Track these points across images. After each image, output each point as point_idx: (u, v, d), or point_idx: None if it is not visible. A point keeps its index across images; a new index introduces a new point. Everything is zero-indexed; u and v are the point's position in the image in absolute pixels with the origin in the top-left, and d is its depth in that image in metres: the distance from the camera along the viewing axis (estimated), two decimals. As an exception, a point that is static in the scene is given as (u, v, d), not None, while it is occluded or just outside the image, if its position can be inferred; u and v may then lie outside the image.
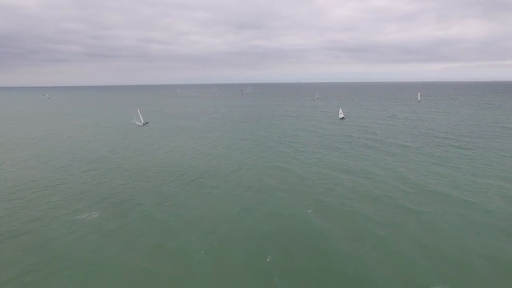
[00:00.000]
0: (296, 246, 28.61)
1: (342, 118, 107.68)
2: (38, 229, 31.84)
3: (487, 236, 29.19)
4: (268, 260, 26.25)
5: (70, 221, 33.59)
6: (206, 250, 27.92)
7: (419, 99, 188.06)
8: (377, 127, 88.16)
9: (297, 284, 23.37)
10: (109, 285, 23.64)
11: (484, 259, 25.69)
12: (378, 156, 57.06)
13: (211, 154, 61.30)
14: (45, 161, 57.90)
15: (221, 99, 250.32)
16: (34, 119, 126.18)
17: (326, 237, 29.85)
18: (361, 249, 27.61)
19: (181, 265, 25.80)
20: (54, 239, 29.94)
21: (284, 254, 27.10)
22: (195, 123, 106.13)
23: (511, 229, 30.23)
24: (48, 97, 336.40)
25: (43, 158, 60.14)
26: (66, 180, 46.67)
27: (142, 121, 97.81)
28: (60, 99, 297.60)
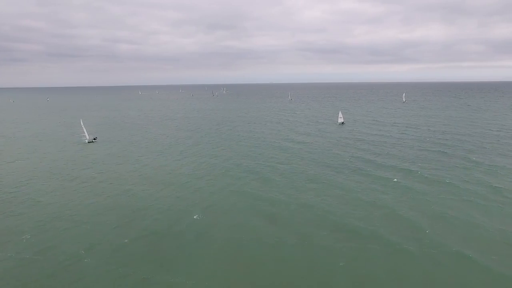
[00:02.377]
0: None
1: (342, 124, 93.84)
2: None
3: None
4: None
5: None
6: None
7: (404, 100, 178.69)
8: (375, 138, 72.15)
9: None
10: None
11: None
12: (392, 192, 40.27)
13: (155, 192, 42.23)
14: None
15: (190, 102, 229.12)
16: None
17: None
18: None
19: None
20: None
21: None
22: (153, 134, 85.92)
23: None
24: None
25: None
26: None
27: (88, 137, 74.71)
28: (3, 103, 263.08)
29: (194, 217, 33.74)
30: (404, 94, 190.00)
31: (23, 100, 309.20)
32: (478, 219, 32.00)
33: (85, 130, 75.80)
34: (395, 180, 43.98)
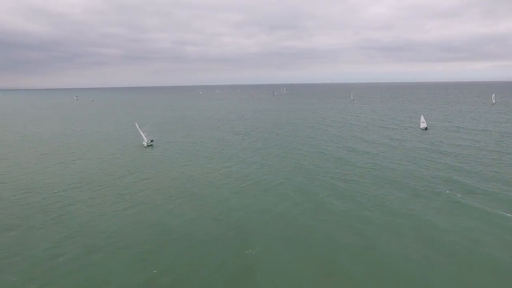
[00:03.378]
0: None
1: (425, 129, 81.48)
2: None
3: None
4: None
5: None
6: None
7: (494, 101, 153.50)
8: (463, 151, 58.82)
9: None
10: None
11: None
12: (500, 232, 29.66)
13: (191, 210, 37.17)
14: None
15: (249, 102, 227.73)
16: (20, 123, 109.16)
17: None
18: None
19: None
20: None
21: None
22: (206, 137, 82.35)
23: None
24: (76, 98, 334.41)
25: None
26: None
27: (146, 140, 71.85)
28: (85, 101, 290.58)
29: (226, 255, 27.41)
30: (493, 95, 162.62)
31: (102, 99, 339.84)
32: None
33: (141, 133, 73.33)
34: (500, 213, 32.72)
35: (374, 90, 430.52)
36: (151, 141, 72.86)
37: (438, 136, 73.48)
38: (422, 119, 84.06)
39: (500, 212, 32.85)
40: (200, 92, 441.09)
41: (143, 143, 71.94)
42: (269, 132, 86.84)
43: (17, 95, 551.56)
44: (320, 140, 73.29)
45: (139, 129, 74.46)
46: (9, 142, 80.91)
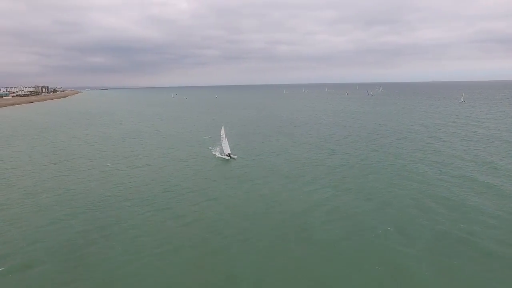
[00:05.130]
0: None
1: None
2: None
3: None
4: None
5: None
6: None
7: None
8: None
9: None
10: None
11: None
12: None
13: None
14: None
15: (340, 102, 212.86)
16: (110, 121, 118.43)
17: None
18: None
19: None
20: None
21: None
22: (287, 148, 71.58)
23: None
24: (172, 96, 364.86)
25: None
26: None
27: (226, 152, 61.43)
28: (181, 99, 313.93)
29: None
30: None
31: (196, 97, 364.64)
32: None
33: (225, 141, 62.29)
34: None
35: (492, 90, 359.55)
36: (229, 154, 61.65)
37: None
38: None
39: None
40: (284, 92, 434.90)
41: (220, 154, 62.83)
42: (355, 142, 71.99)
43: (136, 93, 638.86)
44: (424, 163, 54.51)
45: (223, 135, 62.97)
46: (94, 139, 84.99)
